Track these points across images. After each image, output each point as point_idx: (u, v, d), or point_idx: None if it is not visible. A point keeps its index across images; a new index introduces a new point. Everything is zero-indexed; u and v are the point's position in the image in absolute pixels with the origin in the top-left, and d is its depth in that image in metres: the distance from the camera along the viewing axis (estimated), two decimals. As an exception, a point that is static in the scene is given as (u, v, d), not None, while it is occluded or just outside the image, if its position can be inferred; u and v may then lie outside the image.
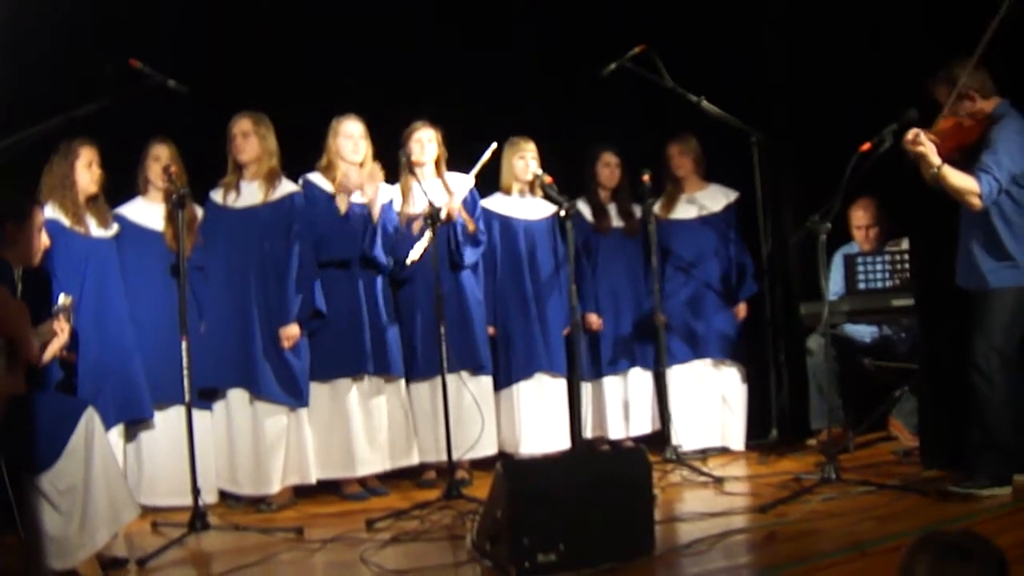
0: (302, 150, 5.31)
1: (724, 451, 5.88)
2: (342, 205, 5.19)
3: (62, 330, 3.92)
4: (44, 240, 3.98)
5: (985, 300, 4.34)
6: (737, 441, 5.90)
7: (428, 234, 4.97)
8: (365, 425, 5.18)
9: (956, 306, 4.52)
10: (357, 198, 5.25)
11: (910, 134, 4.26)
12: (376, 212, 5.21)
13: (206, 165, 5.17)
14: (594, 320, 5.89)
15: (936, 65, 4.39)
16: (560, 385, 5.77)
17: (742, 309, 5.96)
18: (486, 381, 5.58)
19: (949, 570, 2.05)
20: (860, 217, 5.88)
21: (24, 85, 4.81)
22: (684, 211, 6.02)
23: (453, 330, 5.27)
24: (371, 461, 5.20)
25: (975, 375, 4.31)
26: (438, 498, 4.67)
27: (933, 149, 4.21)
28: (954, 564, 2.05)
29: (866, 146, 4.59)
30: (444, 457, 4.90)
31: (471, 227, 5.48)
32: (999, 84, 4.40)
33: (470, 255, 5.52)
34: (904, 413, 5.61)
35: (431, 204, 4.91)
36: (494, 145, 5.35)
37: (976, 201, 4.24)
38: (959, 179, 4.23)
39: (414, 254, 5.20)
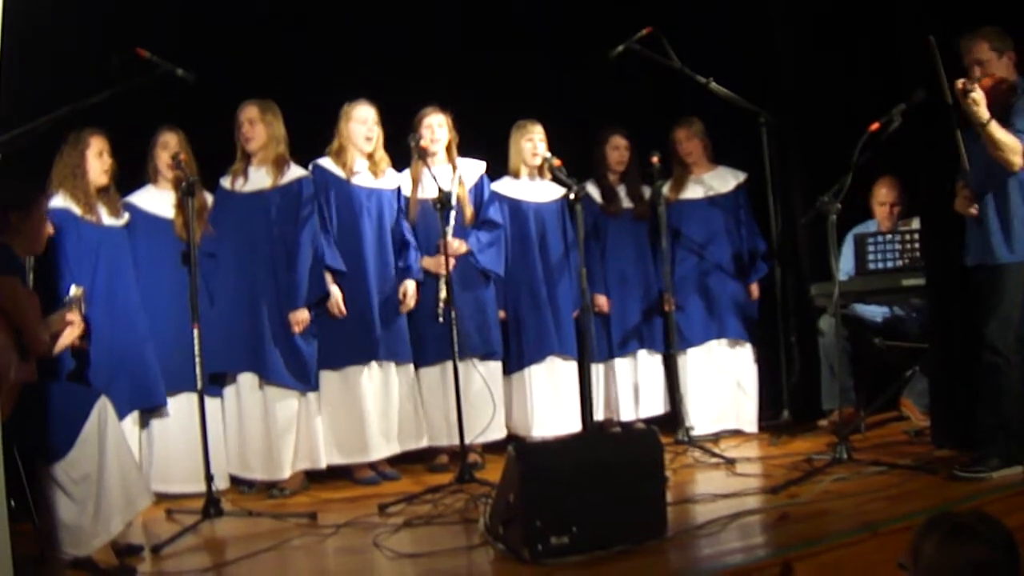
0: (312, 137, 5.30)
1: (737, 433, 5.87)
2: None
3: (73, 321, 3.92)
4: (48, 227, 3.97)
5: (999, 278, 4.30)
6: (750, 423, 5.89)
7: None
8: (376, 410, 5.18)
9: (967, 285, 4.51)
10: (368, 182, 5.26)
11: (960, 82, 4.18)
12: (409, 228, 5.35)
13: (216, 153, 5.17)
14: (603, 301, 5.88)
15: (942, 45, 4.36)
16: (571, 368, 5.77)
17: (754, 290, 5.94)
18: (495, 365, 5.58)
19: (958, 550, 2.05)
20: (884, 195, 5.85)
21: (33, 75, 4.80)
22: (692, 191, 6.00)
23: (467, 317, 5.29)
24: (382, 446, 5.20)
25: (990, 355, 4.28)
26: (450, 482, 4.68)
27: (984, 101, 4.17)
28: (963, 544, 2.06)
29: (875, 126, 4.57)
30: (456, 441, 4.92)
31: (468, 214, 5.48)
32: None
33: (485, 251, 5.50)
34: (915, 393, 5.61)
35: (441, 190, 4.91)
36: None
37: (1018, 160, 4.20)
38: (1006, 136, 4.19)
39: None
